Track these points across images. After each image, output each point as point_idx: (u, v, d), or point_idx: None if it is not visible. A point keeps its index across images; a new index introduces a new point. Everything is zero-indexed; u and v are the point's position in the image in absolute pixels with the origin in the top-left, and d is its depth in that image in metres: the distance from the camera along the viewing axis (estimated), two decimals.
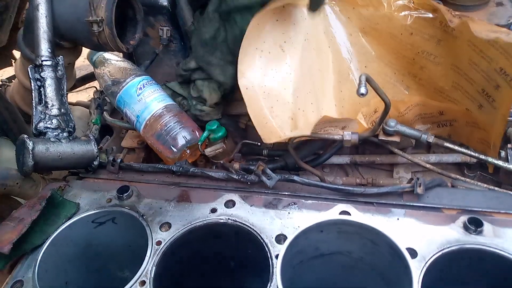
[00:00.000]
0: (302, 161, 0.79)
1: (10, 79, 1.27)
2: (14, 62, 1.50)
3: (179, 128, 0.81)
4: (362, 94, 0.58)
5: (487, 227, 0.58)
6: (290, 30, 0.84)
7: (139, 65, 0.98)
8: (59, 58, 0.75)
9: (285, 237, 0.59)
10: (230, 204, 0.65)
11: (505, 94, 0.75)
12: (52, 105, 0.71)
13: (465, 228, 0.59)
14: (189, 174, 0.73)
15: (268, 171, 0.68)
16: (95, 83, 1.50)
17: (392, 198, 0.66)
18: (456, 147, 0.83)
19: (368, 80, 0.61)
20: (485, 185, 0.78)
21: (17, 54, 1.45)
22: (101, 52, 0.92)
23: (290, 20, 0.85)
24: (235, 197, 0.66)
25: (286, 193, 0.68)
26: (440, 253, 0.56)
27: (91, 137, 0.74)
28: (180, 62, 1.05)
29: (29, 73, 0.72)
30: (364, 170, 1.04)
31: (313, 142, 0.86)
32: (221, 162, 0.84)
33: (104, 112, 0.95)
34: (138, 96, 0.83)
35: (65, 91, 0.75)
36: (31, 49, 0.86)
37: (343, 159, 0.98)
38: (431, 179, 0.69)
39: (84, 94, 1.74)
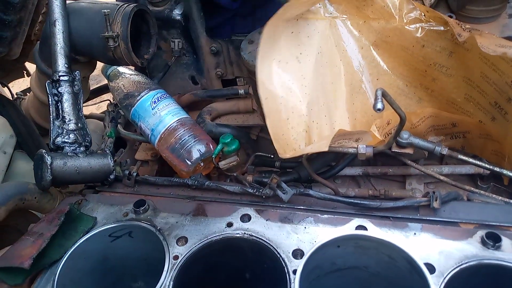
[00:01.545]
0: (316, 174, 0.79)
1: (25, 92, 1.29)
2: (26, 74, 1.52)
3: (194, 142, 0.82)
4: (379, 110, 0.59)
5: (505, 242, 0.57)
6: (304, 42, 0.85)
7: (151, 77, 0.99)
8: (75, 73, 0.76)
9: (302, 252, 0.60)
10: (245, 218, 0.66)
11: None
12: (69, 120, 0.72)
13: (483, 243, 0.58)
14: (204, 188, 0.74)
15: (283, 185, 0.69)
16: (107, 96, 1.53)
17: (408, 212, 0.66)
18: (471, 159, 0.83)
19: (384, 95, 0.61)
20: (500, 198, 0.78)
21: (28, 65, 1.47)
22: (115, 66, 0.94)
23: (304, 33, 0.85)
24: (250, 211, 0.67)
25: (302, 207, 0.68)
26: (458, 268, 0.56)
27: (107, 151, 0.75)
28: (193, 74, 1.06)
29: (47, 88, 0.73)
30: (376, 181, 1.04)
31: (326, 154, 0.86)
32: (235, 174, 0.84)
33: (118, 125, 0.96)
34: (152, 109, 0.84)
35: (81, 105, 0.76)
36: (47, 63, 0.88)
37: (355, 171, 0.99)
38: (447, 192, 0.69)
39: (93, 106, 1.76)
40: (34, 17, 1.29)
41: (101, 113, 1.25)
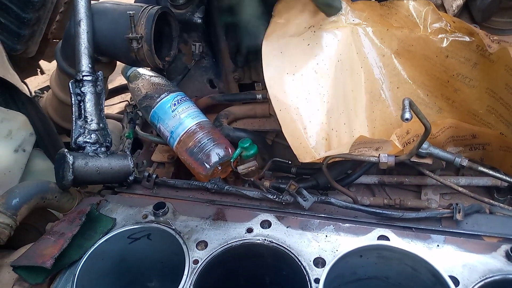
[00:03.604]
0: (335, 181, 0.79)
1: (43, 90, 1.29)
2: (40, 72, 1.53)
3: (213, 145, 0.82)
4: (407, 120, 0.58)
5: None
6: (323, 52, 0.85)
7: (170, 79, 0.99)
8: (98, 73, 0.76)
9: (323, 261, 0.59)
10: (266, 224, 0.65)
11: None
12: (92, 120, 0.72)
13: (508, 257, 0.58)
14: (223, 192, 0.73)
15: (304, 192, 0.68)
16: (116, 99, 1.53)
17: (430, 223, 0.65)
18: (490, 172, 0.82)
19: (411, 105, 0.60)
20: None
21: (42, 64, 1.48)
22: (135, 67, 0.94)
23: (323, 43, 0.85)
24: (270, 217, 0.66)
25: (322, 215, 0.68)
26: (482, 282, 0.55)
27: (128, 152, 0.75)
28: (212, 78, 1.06)
29: (70, 88, 0.73)
30: (391, 190, 1.03)
31: (344, 162, 0.86)
32: (252, 179, 0.84)
33: (136, 126, 0.96)
34: (172, 112, 0.84)
35: (103, 106, 0.76)
36: (68, 62, 0.88)
37: (371, 179, 0.98)
38: (470, 205, 0.68)
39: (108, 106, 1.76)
40: (52, 16, 1.30)
41: (116, 113, 1.25)
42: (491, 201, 0.82)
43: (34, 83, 1.60)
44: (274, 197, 0.71)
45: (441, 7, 0.90)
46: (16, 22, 1.20)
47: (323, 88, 0.85)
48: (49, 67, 1.56)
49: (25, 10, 1.19)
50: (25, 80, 1.43)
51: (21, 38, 1.23)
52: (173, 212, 0.69)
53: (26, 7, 1.18)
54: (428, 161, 0.86)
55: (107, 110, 1.70)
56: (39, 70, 1.52)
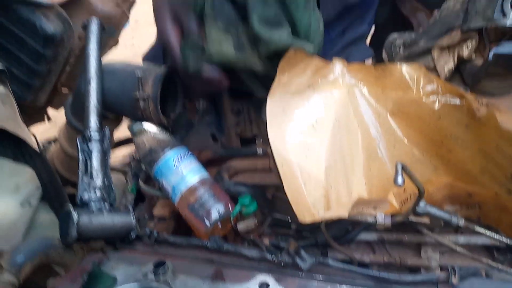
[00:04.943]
0: (333, 241, 0.80)
1: (50, 141, 1.33)
2: (47, 119, 1.57)
3: (213, 202, 0.84)
4: (400, 184, 0.60)
5: None
6: (320, 111, 0.89)
7: (174, 133, 1.03)
8: (106, 131, 0.80)
9: None
10: (264, 286, 0.66)
11: None
12: (97, 177, 0.75)
13: None
14: (222, 251, 0.75)
15: (303, 253, 0.69)
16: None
17: (427, 286, 0.66)
18: (487, 232, 0.83)
19: (404, 169, 0.63)
20: None
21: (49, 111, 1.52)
22: (140, 122, 0.97)
23: (321, 102, 0.89)
24: (268, 278, 0.67)
25: (320, 275, 0.69)
26: None
27: (130, 209, 0.77)
28: (214, 132, 1.10)
29: (78, 144, 0.77)
30: (391, 246, 1.03)
31: (344, 220, 0.87)
32: (251, 237, 0.85)
33: (139, 180, 0.98)
34: (175, 168, 0.87)
35: (108, 162, 0.79)
36: (77, 118, 0.92)
37: (371, 236, 0.99)
38: (466, 267, 0.69)
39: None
40: (62, 68, 1.35)
41: (119, 167, 1.28)
42: (490, 261, 0.83)
43: (40, 129, 1.64)
44: (273, 257, 0.72)
45: (434, 69, 0.95)
46: (28, 73, 1.24)
47: (321, 145, 0.88)
48: (55, 114, 1.60)
49: (38, 63, 1.23)
50: (31, 126, 1.47)
51: (32, 89, 1.27)
52: (172, 271, 0.70)
53: (38, 60, 1.23)
54: (426, 220, 0.88)
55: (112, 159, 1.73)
56: (46, 116, 1.56)
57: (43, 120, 1.55)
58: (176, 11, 0.81)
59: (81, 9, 1.31)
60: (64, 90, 1.51)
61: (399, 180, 0.60)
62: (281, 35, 0.77)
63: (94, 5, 1.32)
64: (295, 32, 0.81)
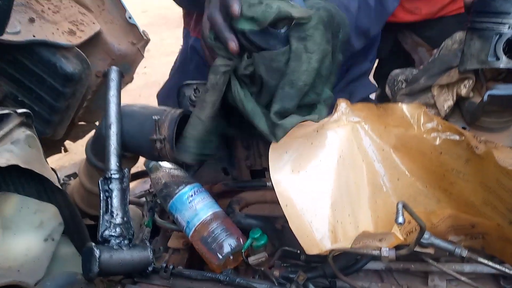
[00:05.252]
0: (340, 273, 0.84)
1: (70, 176, 1.39)
2: (64, 150, 1.63)
3: (225, 236, 0.88)
4: (400, 224, 0.64)
5: None
6: (325, 149, 0.93)
7: (188, 169, 1.08)
8: (125, 171, 0.85)
9: None
10: None
11: None
12: (117, 215, 0.80)
13: None
14: (235, 284, 0.78)
15: (310, 285, 0.73)
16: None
17: None
18: (490, 263, 0.86)
19: (405, 207, 0.67)
20: None
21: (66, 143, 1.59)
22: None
23: (325, 142, 0.94)
24: None
25: None
26: None
27: (147, 244, 0.82)
28: (225, 166, 1.15)
29: (99, 185, 0.82)
30: (399, 275, 1.06)
31: (350, 252, 0.90)
32: (262, 269, 0.89)
33: (155, 214, 1.03)
34: (189, 203, 0.92)
35: (127, 200, 0.84)
36: (97, 158, 0.98)
37: (378, 265, 1.02)
38: None
39: None
40: (80, 103, 1.41)
41: (135, 198, 1.34)
42: None
43: (54, 157, 1.71)
44: None
45: (434, 106, 0.99)
46: (48, 110, 1.30)
47: (327, 182, 0.92)
48: (71, 146, 1.67)
49: (57, 100, 1.29)
50: (48, 157, 1.53)
51: (51, 124, 1.33)
52: None
53: (58, 97, 1.28)
54: (430, 251, 0.91)
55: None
56: (63, 148, 1.62)
57: (60, 151, 1.61)
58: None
59: (99, 48, 1.39)
60: (81, 123, 1.57)
61: (400, 219, 0.64)
62: (292, 122, 0.81)
63: (110, 45, 1.39)
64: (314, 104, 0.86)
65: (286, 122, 0.80)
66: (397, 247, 0.84)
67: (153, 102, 1.56)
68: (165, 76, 1.64)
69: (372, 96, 1.37)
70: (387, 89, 1.16)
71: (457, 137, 0.89)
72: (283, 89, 0.78)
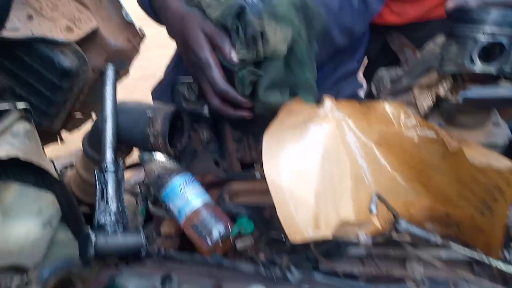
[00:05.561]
0: (322, 256, 0.89)
1: (66, 166, 1.44)
2: (60, 140, 1.67)
3: (214, 223, 0.94)
4: (373, 212, 0.70)
5: None
6: (311, 142, 0.99)
7: (180, 161, 1.13)
8: (120, 162, 0.90)
9: None
10: None
11: (501, 206, 0.86)
12: (112, 203, 0.85)
13: None
14: (222, 266, 0.84)
15: (293, 269, 0.79)
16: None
17: None
18: (463, 250, 0.91)
19: (379, 198, 0.73)
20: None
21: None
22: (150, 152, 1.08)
23: (312, 134, 0.99)
24: None
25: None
26: None
27: (141, 230, 0.87)
28: (217, 159, 1.20)
29: (95, 175, 0.88)
30: (380, 260, 1.11)
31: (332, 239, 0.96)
32: (249, 253, 0.94)
33: (149, 202, 1.08)
34: (181, 193, 0.97)
35: (122, 190, 0.89)
36: (93, 149, 1.03)
37: (361, 251, 1.07)
38: (436, 279, 0.77)
39: None
40: (77, 96, 1.45)
41: (129, 187, 1.39)
42: (466, 274, 0.91)
43: (50, 148, 1.75)
44: (267, 272, 0.81)
45: (415, 105, 1.05)
46: (45, 103, 1.34)
47: (312, 173, 0.97)
48: (68, 137, 1.71)
49: (55, 94, 1.33)
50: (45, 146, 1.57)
51: (48, 116, 1.37)
52: (177, 283, 0.79)
53: (55, 91, 1.32)
54: (407, 238, 0.97)
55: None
56: (59, 139, 1.67)
57: (56, 141, 1.66)
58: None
59: (95, 44, 1.43)
60: (78, 115, 1.62)
61: (373, 208, 0.70)
62: (284, 99, 0.86)
63: (107, 41, 1.43)
64: (294, 87, 0.91)
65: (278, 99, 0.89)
66: (377, 235, 0.90)
67: (148, 94, 1.60)
68: (161, 69, 1.67)
69: (362, 94, 1.42)
70: (373, 88, 1.22)
71: (434, 135, 0.95)
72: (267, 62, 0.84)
